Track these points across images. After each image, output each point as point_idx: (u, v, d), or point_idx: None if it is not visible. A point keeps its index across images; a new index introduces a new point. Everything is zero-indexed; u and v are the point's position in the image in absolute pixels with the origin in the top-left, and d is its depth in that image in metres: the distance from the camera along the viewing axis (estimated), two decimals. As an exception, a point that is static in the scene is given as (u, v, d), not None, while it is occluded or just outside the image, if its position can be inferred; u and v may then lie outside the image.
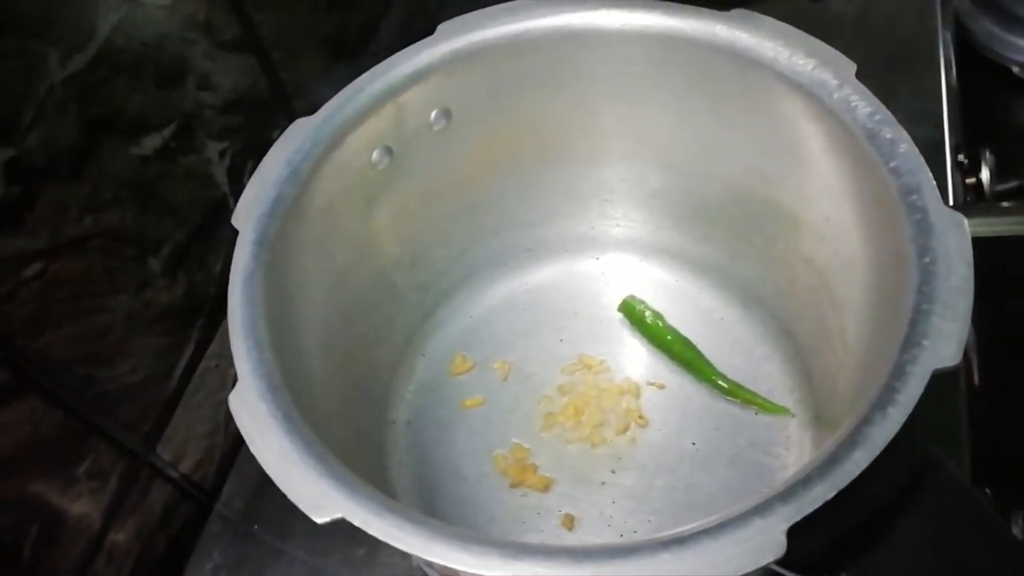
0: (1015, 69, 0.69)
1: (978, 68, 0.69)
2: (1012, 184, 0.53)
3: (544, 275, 0.43)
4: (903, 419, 0.22)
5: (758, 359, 0.38)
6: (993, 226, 0.43)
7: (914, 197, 0.25)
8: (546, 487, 0.35)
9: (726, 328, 0.39)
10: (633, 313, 0.40)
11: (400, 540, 0.21)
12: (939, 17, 0.60)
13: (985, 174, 0.53)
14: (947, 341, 0.22)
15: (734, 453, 0.35)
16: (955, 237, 0.24)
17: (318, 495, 0.22)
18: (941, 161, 0.53)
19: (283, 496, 0.42)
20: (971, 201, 0.53)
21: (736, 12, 0.31)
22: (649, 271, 0.42)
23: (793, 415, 0.36)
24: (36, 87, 0.32)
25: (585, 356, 0.39)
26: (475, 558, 0.21)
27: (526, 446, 0.37)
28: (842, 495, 0.21)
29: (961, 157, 0.54)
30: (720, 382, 0.37)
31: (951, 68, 0.62)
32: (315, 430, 0.25)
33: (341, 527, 0.38)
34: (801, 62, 0.29)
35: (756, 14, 0.31)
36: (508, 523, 0.35)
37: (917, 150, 0.26)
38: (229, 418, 0.46)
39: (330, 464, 0.23)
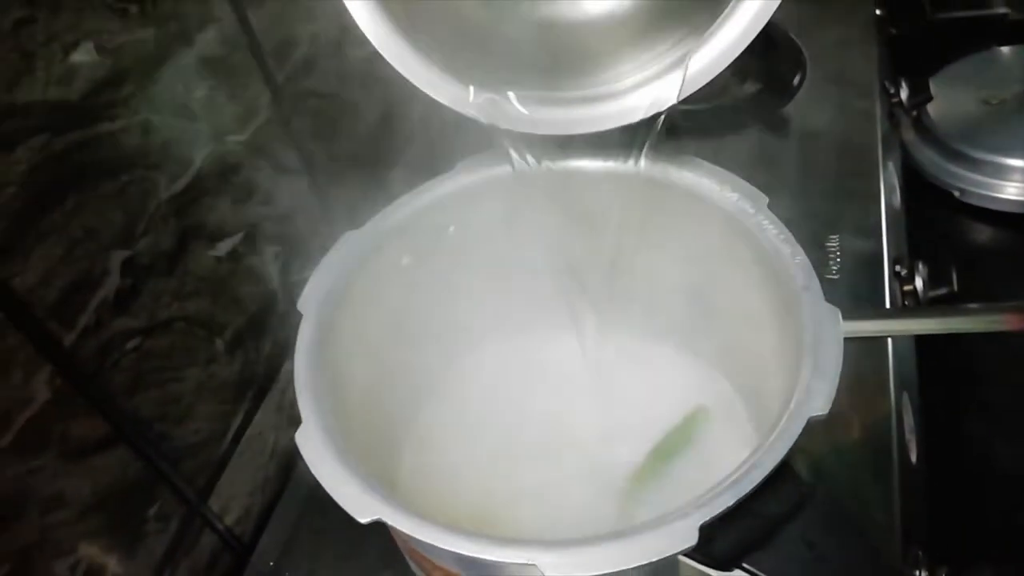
0: (956, 194, 0.79)
1: (925, 192, 0.80)
2: (942, 291, 0.62)
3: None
4: (787, 450, 0.30)
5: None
6: (922, 326, 0.51)
7: (806, 295, 0.34)
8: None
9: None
10: None
11: (419, 532, 0.29)
12: (880, 151, 0.71)
13: (919, 282, 0.62)
14: (819, 397, 0.31)
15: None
16: (831, 323, 0.33)
17: (361, 504, 0.30)
18: (879, 271, 0.62)
19: (309, 551, 0.50)
20: (908, 305, 0.62)
21: (684, 158, 0.41)
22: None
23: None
24: (149, 205, 0.42)
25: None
26: (472, 543, 0.29)
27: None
28: (744, 507, 0.29)
29: (899, 268, 0.63)
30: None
31: (894, 191, 0.73)
32: (355, 457, 0.34)
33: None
34: (729, 195, 0.39)
35: (698, 160, 0.41)
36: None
37: (808, 261, 0.36)
38: (267, 480, 0.54)
39: (370, 481, 0.31)
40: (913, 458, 0.55)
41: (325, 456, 0.32)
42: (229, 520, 0.52)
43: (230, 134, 0.48)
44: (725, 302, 0.43)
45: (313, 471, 0.32)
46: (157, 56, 0.42)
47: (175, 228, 0.44)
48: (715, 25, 0.34)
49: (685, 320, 0.47)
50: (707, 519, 0.28)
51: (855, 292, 0.60)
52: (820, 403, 0.30)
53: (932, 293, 0.61)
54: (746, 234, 0.38)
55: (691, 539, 0.28)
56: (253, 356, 0.52)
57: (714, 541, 0.29)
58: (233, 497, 0.52)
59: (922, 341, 0.62)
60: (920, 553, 0.50)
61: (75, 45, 0.36)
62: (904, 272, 0.63)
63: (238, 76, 0.48)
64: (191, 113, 0.45)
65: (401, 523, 0.30)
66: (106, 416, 0.41)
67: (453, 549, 0.28)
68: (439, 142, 0.73)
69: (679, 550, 0.28)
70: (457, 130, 0.71)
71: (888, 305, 0.59)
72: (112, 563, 0.42)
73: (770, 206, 0.39)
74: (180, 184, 0.45)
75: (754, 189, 0.39)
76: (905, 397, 0.57)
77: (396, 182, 0.66)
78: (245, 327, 0.51)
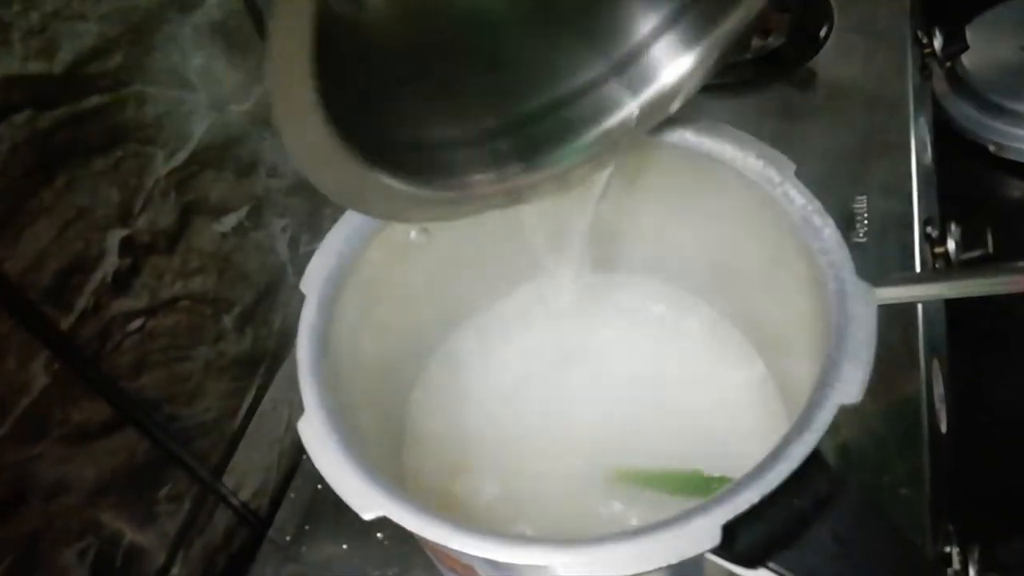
0: (991, 148, 0.75)
1: (957, 147, 0.76)
2: (977, 253, 0.59)
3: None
4: (816, 441, 0.28)
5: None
6: (955, 289, 0.49)
7: (836, 271, 0.32)
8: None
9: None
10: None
11: (424, 531, 0.28)
12: (911, 105, 0.68)
13: (951, 245, 0.59)
14: (852, 383, 0.29)
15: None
16: (864, 302, 0.31)
17: (365, 498, 0.29)
18: (911, 233, 0.59)
19: (325, 525, 0.50)
20: (939, 268, 0.59)
21: (703, 122, 0.39)
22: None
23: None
24: (146, 181, 0.41)
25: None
26: (480, 542, 0.27)
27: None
28: (769, 499, 0.27)
29: (930, 229, 0.60)
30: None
31: (925, 148, 0.69)
32: (361, 447, 0.33)
33: (376, 549, 0.45)
34: (752, 162, 0.37)
35: (719, 123, 0.38)
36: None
37: (839, 234, 0.33)
38: (282, 454, 0.53)
39: (374, 474, 0.30)
40: (943, 428, 0.53)
41: (328, 446, 0.31)
42: (244, 495, 0.51)
43: (231, 104, 0.46)
44: (750, 276, 0.41)
45: (315, 463, 0.31)
46: (149, 23, 0.40)
47: (176, 204, 0.43)
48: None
49: (708, 293, 0.45)
50: (731, 517, 0.26)
51: (884, 255, 0.58)
52: (853, 390, 0.29)
53: (965, 255, 0.58)
54: (771, 204, 0.36)
55: (714, 539, 0.26)
56: (263, 332, 0.51)
57: (738, 538, 0.27)
58: (248, 472, 0.51)
59: (951, 304, 0.60)
60: (951, 528, 0.48)
61: (55, 13, 0.34)
62: (936, 234, 0.60)
63: (238, 42, 0.46)
64: (188, 83, 0.43)
65: (407, 520, 0.28)
66: (110, 399, 0.40)
67: (461, 549, 0.27)
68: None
69: (701, 551, 0.26)
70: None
71: (919, 269, 0.57)
72: (123, 546, 0.42)
73: (797, 170, 0.36)
74: (179, 158, 0.43)
75: (780, 155, 0.36)
76: (935, 364, 0.55)
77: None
78: (254, 303, 0.50)
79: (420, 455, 0.44)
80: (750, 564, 0.28)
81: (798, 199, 0.35)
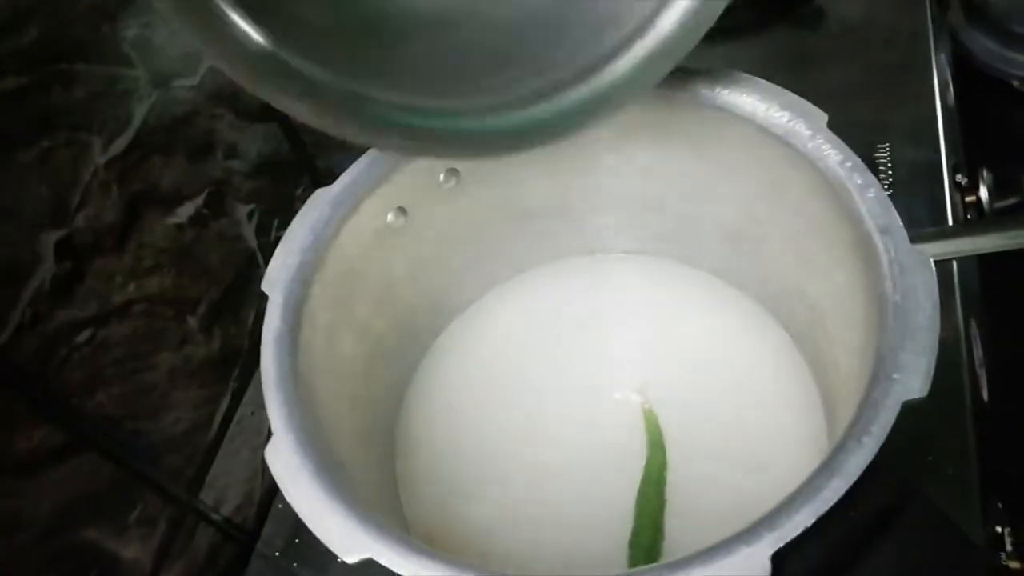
0: (1015, 83, 0.70)
1: (978, 84, 0.70)
2: (1011, 201, 0.54)
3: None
4: (876, 447, 0.23)
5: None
6: (994, 241, 0.44)
7: (885, 239, 0.27)
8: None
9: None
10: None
11: (420, 572, 0.24)
12: (931, 40, 0.62)
13: (984, 192, 0.54)
14: (915, 375, 0.24)
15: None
16: (922, 276, 0.26)
17: (348, 538, 0.25)
18: (939, 182, 0.54)
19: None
20: (972, 219, 0.54)
21: (720, 71, 0.34)
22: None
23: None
24: (82, 172, 0.36)
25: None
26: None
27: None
28: (823, 519, 0.23)
29: (959, 177, 0.55)
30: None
31: (948, 88, 0.64)
32: (342, 474, 0.28)
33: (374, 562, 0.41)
34: (776, 114, 0.32)
35: (736, 71, 0.33)
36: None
37: (885, 195, 0.28)
38: (265, 462, 0.49)
39: (357, 509, 0.26)
40: (985, 396, 0.49)
41: (300, 479, 0.26)
42: (227, 510, 0.47)
43: (176, 79, 0.41)
44: (776, 246, 0.36)
45: (287, 498, 0.26)
46: (71, -12, 0.35)
47: (120, 196, 0.38)
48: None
49: (728, 268, 0.41)
50: (781, 545, 0.22)
51: (911, 208, 0.52)
52: (916, 383, 0.24)
53: (999, 203, 0.54)
54: (801, 162, 0.31)
55: (762, 572, 0.22)
56: (234, 330, 0.46)
57: (788, 565, 0.23)
58: (229, 485, 0.47)
59: (984, 259, 0.55)
60: (1000, 505, 0.44)
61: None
62: (966, 181, 0.55)
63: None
64: (123, 58, 0.38)
65: (396, 563, 0.24)
66: (59, 422, 0.35)
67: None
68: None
69: (748, 587, 0.22)
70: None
71: (951, 221, 0.52)
72: (92, 578, 0.38)
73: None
74: (119, 144, 0.38)
75: (808, 105, 0.31)
76: (973, 325, 0.50)
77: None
78: (221, 299, 0.45)
79: (415, 462, 0.40)
80: (805, 595, 0.24)
81: (833, 155, 0.30)
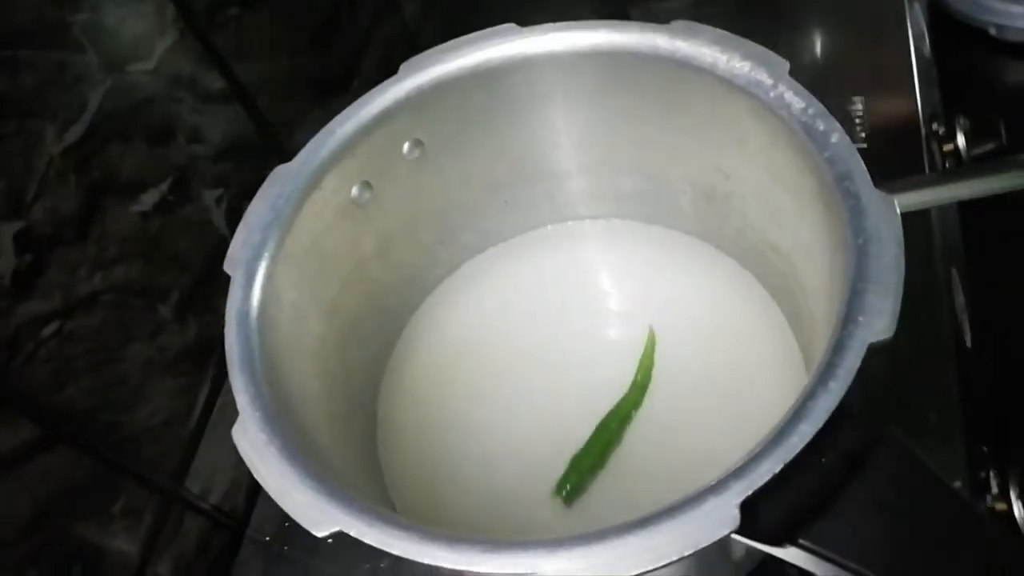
0: (991, 31, 0.69)
1: (954, 33, 0.70)
2: (989, 147, 0.54)
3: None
4: (843, 391, 0.23)
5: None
6: (972, 189, 0.44)
7: (847, 183, 0.27)
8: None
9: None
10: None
11: (391, 546, 0.23)
12: (906, -11, 0.61)
13: (961, 140, 0.54)
14: (880, 316, 0.24)
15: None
16: (886, 218, 0.26)
17: (316, 512, 0.25)
18: (916, 132, 0.54)
19: None
20: (951, 168, 0.54)
21: (676, 23, 0.33)
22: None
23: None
24: (36, 162, 0.35)
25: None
26: (458, 555, 0.23)
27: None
28: (793, 466, 0.23)
29: (936, 126, 0.55)
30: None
31: (923, 37, 0.63)
32: (313, 452, 0.28)
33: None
34: (738, 65, 0.31)
35: (695, 24, 0.33)
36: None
37: (848, 139, 0.28)
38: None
39: (326, 483, 0.25)
40: (968, 342, 0.49)
41: (267, 455, 0.26)
42: (215, 498, 0.47)
43: (132, 62, 0.40)
44: (746, 199, 0.36)
45: (255, 474, 0.26)
46: (8, -27, 0.34)
47: (79, 185, 0.37)
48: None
49: (700, 225, 0.40)
50: (749, 494, 0.22)
51: (888, 160, 0.52)
52: (882, 324, 0.24)
53: (977, 150, 0.53)
54: (764, 112, 0.31)
55: (731, 522, 0.22)
56: (209, 317, 0.46)
57: (760, 514, 0.23)
58: (215, 472, 0.47)
59: (963, 205, 0.55)
60: (986, 450, 0.44)
61: None
62: (942, 130, 0.55)
63: (130, -12, 0.40)
64: (73, 41, 0.37)
65: (367, 534, 0.24)
66: (31, 417, 0.35)
67: (431, 562, 0.23)
68: (397, 44, 0.64)
69: (717, 537, 0.22)
70: (417, 32, 0.62)
71: (928, 170, 0.52)
72: (77, 572, 0.38)
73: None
74: (75, 132, 0.37)
75: (770, 53, 0.31)
76: (954, 273, 0.50)
77: (351, 93, 0.58)
78: (192, 286, 0.44)
79: (398, 443, 0.39)
80: (777, 542, 0.23)
81: (796, 103, 0.29)
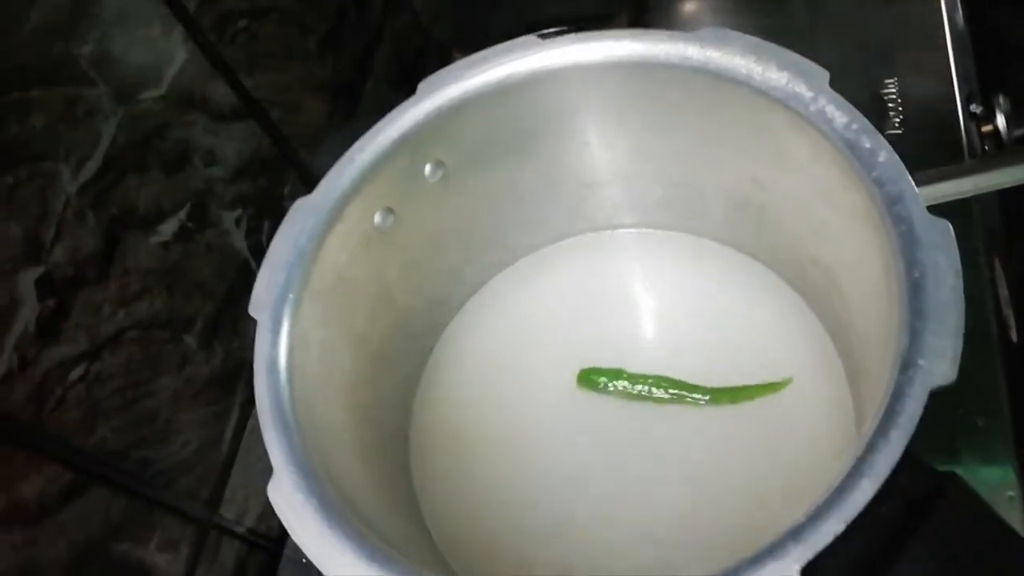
0: (1029, -4, 0.66)
1: (988, 3, 0.66)
2: (1032, 127, 0.51)
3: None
4: (905, 441, 0.22)
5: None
6: (1014, 175, 0.42)
7: (898, 207, 0.26)
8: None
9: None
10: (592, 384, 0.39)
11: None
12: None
13: (1001, 121, 0.51)
14: (941, 359, 0.23)
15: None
16: (942, 248, 0.24)
17: (359, 577, 0.24)
18: (953, 113, 0.52)
19: None
20: (990, 152, 0.52)
21: (708, 31, 0.31)
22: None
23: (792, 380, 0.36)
24: (53, 204, 0.34)
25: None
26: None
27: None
28: (854, 524, 0.22)
29: (974, 107, 0.53)
30: (715, 397, 0.37)
31: (956, 9, 0.61)
32: (350, 498, 0.27)
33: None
34: (774, 76, 0.29)
35: (728, 31, 0.31)
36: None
37: (897, 158, 0.26)
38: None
39: (367, 545, 0.25)
40: (1014, 336, 0.47)
41: (306, 516, 0.25)
42: (250, 521, 0.47)
43: (142, 90, 0.39)
44: (783, 215, 0.34)
45: (293, 536, 0.25)
46: (13, 8, 0.33)
47: (97, 223, 0.36)
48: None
49: (736, 238, 0.39)
50: (811, 557, 0.21)
51: (925, 146, 0.50)
52: (943, 368, 0.22)
53: (1019, 131, 0.51)
54: (803, 126, 0.29)
55: (792, 588, 0.21)
56: (235, 343, 0.45)
57: (817, 573, 0.22)
58: (250, 496, 0.47)
59: (1004, 192, 0.53)
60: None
61: None
62: (981, 110, 0.52)
63: (134, 15, 0.38)
64: (82, 76, 0.36)
65: (412, 602, 0.23)
66: (64, 462, 0.34)
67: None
68: (410, 38, 0.62)
69: (777, 606, 0.21)
70: (430, 23, 0.60)
71: (967, 155, 0.50)
72: (119, 613, 0.38)
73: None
74: (90, 168, 0.36)
75: (807, 63, 0.29)
76: (997, 264, 0.48)
77: (367, 101, 0.56)
78: (217, 313, 0.44)
79: (432, 467, 0.39)
80: (837, 600, 0.22)
81: (838, 117, 0.28)
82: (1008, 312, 0.47)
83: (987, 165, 0.46)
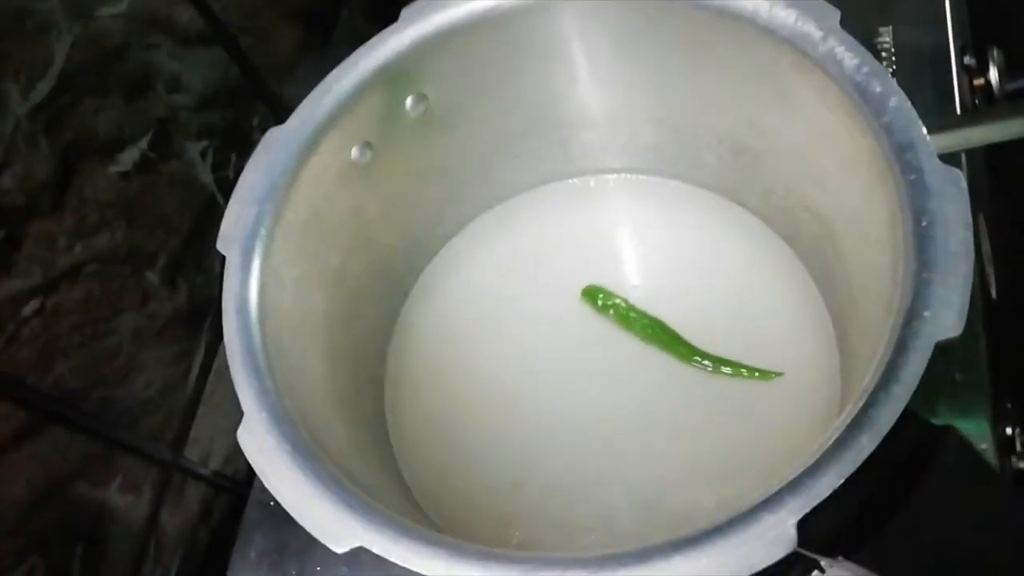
0: (1023, -54, 0.65)
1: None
2: (1023, 82, 0.51)
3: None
4: (907, 396, 0.21)
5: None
6: (1004, 130, 0.41)
7: (908, 155, 0.24)
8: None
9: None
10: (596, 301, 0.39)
11: (418, 564, 0.22)
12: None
13: (993, 74, 0.50)
14: (948, 311, 0.22)
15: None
16: (953, 197, 0.23)
17: (336, 525, 0.23)
18: (946, 65, 0.51)
19: None
20: (980, 107, 0.51)
21: (709, -38, 0.29)
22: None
23: (782, 374, 0.35)
24: (1, 126, 0.32)
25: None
26: (491, 574, 0.21)
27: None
28: (852, 478, 0.21)
29: (967, 58, 0.52)
30: (702, 360, 0.36)
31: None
32: (324, 445, 0.26)
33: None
34: (782, 14, 0.28)
35: (731, -38, 0.29)
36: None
37: (909, 103, 0.25)
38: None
39: (343, 492, 0.23)
40: (993, 293, 0.47)
41: (278, 461, 0.24)
42: (215, 463, 0.46)
43: (99, 6, 0.36)
44: (783, 161, 0.33)
45: (265, 483, 0.24)
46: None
47: (51, 149, 0.34)
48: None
49: (731, 186, 0.37)
50: (807, 510, 0.20)
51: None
52: (950, 320, 0.22)
53: (1011, 86, 0.50)
54: (810, 68, 0.28)
55: (788, 542, 0.20)
56: (200, 280, 0.43)
57: (815, 525, 0.21)
58: (215, 437, 0.45)
59: (991, 148, 0.52)
60: (1010, 406, 0.43)
61: None
62: (974, 63, 0.51)
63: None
64: (31, -13, 0.33)
65: (391, 551, 0.22)
66: (18, 401, 0.33)
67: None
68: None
69: (773, 560, 0.20)
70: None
71: (959, 108, 0.49)
72: (78, 556, 0.36)
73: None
74: (42, 89, 0.33)
75: (820, 1, 0.28)
76: (981, 219, 0.48)
77: (341, 32, 0.53)
78: (182, 249, 0.42)
79: (408, 414, 0.38)
80: (831, 553, 0.22)
81: (848, 59, 0.26)
82: (989, 270, 0.47)
83: (978, 119, 0.46)
